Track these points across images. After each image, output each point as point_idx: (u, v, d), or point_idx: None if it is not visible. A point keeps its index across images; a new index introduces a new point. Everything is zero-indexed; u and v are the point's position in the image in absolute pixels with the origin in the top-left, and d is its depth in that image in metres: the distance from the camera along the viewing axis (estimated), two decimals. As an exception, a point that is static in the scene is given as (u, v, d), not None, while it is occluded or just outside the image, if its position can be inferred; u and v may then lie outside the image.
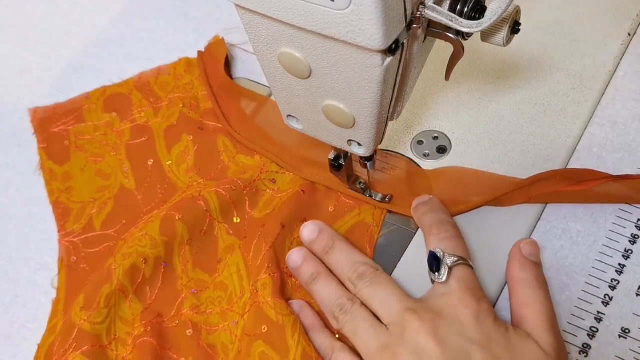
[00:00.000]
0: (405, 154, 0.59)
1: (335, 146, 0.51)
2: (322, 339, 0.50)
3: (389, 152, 0.59)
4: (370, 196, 0.56)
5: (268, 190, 0.58)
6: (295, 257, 0.53)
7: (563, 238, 0.53)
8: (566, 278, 0.52)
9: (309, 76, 0.43)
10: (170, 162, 0.61)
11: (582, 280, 0.51)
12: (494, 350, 0.44)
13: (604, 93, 0.60)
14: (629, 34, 0.63)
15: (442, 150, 0.59)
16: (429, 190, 0.56)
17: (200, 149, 0.61)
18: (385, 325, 0.47)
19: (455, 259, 0.48)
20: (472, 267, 0.48)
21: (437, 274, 0.48)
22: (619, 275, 0.51)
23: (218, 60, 0.66)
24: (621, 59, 0.62)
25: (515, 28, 0.44)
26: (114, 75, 0.69)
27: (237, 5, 0.41)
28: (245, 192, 0.57)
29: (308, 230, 0.53)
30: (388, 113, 0.46)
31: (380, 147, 0.52)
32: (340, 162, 0.53)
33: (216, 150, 0.61)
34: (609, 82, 0.61)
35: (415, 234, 0.55)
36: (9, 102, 0.70)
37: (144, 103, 0.65)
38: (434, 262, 0.48)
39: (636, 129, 0.58)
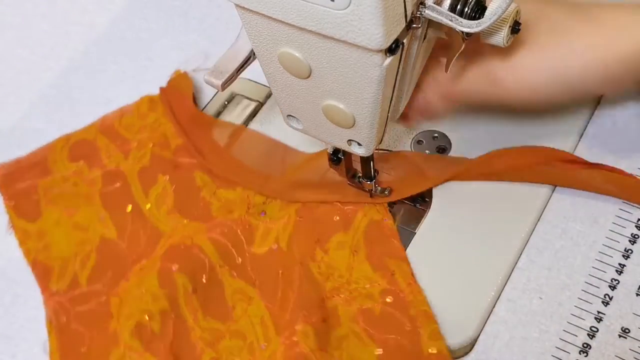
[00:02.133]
0: (405, 154, 0.59)
1: (336, 146, 0.51)
2: None
3: (389, 152, 0.59)
4: (370, 190, 0.55)
5: (261, 224, 0.56)
6: None
7: (563, 238, 0.53)
8: (566, 278, 0.52)
9: (308, 76, 0.43)
10: (149, 205, 0.58)
11: (582, 280, 0.51)
12: None
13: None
14: (629, 34, 0.63)
15: (442, 150, 0.59)
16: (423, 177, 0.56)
17: (178, 188, 0.59)
18: None
19: None
20: None
21: None
22: (619, 275, 0.51)
23: (184, 94, 0.63)
24: (621, 59, 0.62)
25: (515, 28, 0.44)
26: (114, 75, 0.69)
27: (237, 5, 0.41)
28: (238, 231, 0.55)
29: None
30: (388, 113, 0.46)
31: (380, 147, 0.52)
32: (339, 156, 0.53)
33: (195, 187, 0.59)
34: (609, 82, 0.61)
35: (415, 234, 0.55)
36: (9, 102, 0.70)
37: (112, 147, 0.62)
38: None
39: (636, 129, 0.58)
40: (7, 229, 0.60)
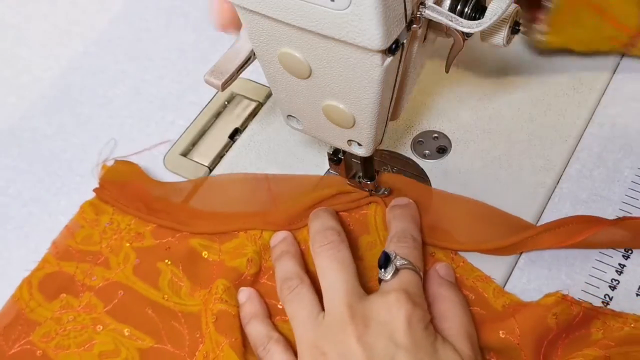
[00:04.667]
0: (405, 154, 0.59)
1: (336, 146, 0.51)
2: (261, 327, 0.50)
3: (389, 152, 0.59)
4: (370, 190, 0.55)
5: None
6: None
7: (563, 238, 0.53)
8: (566, 278, 0.52)
9: (309, 76, 0.43)
10: (166, 296, 0.54)
11: (582, 280, 0.51)
12: (420, 356, 0.44)
13: (604, 93, 0.60)
14: (629, 34, 0.63)
15: (442, 150, 0.59)
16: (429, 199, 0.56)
17: (185, 265, 0.55)
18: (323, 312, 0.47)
19: (405, 262, 0.48)
20: (420, 276, 0.48)
21: (383, 271, 0.47)
22: (619, 275, 0.51)
23: (126, 182, 0.59)
24: (621, 59, 0.62)
25: (515, 28, 0.44)
26: (114, 75, 0.69)
27: (237, 5, 0.41)
28: (264, 280, 0.54)
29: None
30: (388, 113, 0.46)
31: (380, 147, 0.52)
32: (340, 157, 0.53)
33: (199, 256, 0.55)
34: (609, 82, 0.61)
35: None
36: (9, 102, 0.70)
37: (85, 267, 0.56)
38: (385, 261, 0.48)
39: (636, 129, 0.58)
40: None
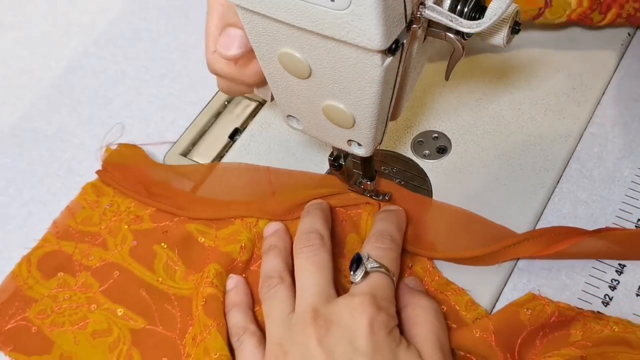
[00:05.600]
0: (405, 154, 0.59)
1: (336, 146, 0.51)
2: (240, 318, 0.50)
3: (389, 152, 0.59)
4: (371, 195, 0.56)
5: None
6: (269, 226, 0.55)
7: (563, 238, 0.53)
8: (566, 278, 0.52)
9: (309, 76, 0.43)
10: (160, 278, 0.55)
11: (582, 280, 0.51)
12: None
13: (604, 93, 0.60)
14: (629, 34, 0.63)
15: (442, 150, 0.59)
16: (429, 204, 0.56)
17: (181, 249, 0.56)
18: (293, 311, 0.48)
19: (376, 265, 0.47)
20: (392, 280, 0.48)
21: (353, 273, 0.47)
22: (619, 275, 0.51)
23: (129, 166, 0.61)
24: (621, 59, 0.62)
25: (515, 28, 0.44)
26: (114, 75, 0.69)
27: (237, 5, 0.41)
28: (255, 267, 0.54)
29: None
30: (388, 113, 0.46)
31: (380, 147, 0.52)
32: (340, 162, 0.53)
33: (195, 241, 0.56)
34: (609, 82, 0.61)
35: (415, 234, 0.55)
36: (9, 102, 0.70)
37: (83, 247, 0.57)
38: (355, 263, 0.47)
39: (636, 129, 0.58)
40: None
